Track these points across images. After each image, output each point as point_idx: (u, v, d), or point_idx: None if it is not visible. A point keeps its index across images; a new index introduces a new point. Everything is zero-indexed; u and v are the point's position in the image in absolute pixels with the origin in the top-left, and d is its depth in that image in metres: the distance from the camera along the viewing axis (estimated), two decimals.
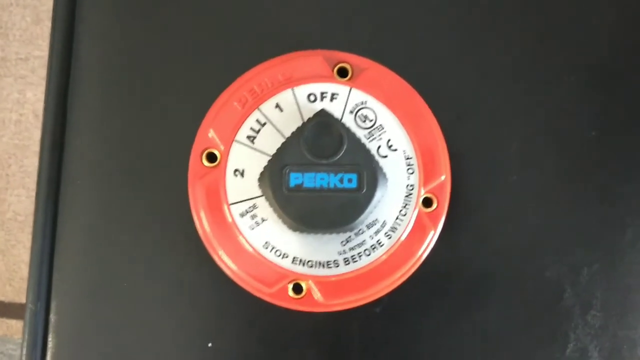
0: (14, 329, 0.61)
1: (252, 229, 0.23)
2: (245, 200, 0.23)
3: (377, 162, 0.22)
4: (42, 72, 0.62)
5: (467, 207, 0.26)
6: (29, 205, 0.62)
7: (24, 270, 0.62)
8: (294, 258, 0.23)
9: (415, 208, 0.24)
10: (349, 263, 0.23)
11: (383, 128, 0.24)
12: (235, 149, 0.24)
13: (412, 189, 0.24)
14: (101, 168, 0.27)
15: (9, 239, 0.62)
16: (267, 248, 0.23)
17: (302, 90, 0.24)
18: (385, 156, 0.24)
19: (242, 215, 0.23)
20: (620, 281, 0.26)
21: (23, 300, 0.62)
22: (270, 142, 0.23)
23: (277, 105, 0.24)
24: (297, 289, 0.24)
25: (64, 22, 0.28)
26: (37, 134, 0.62)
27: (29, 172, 0.61)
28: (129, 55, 0.28)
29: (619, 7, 0.28)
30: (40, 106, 0.62)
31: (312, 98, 0.24)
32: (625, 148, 0.27)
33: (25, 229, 0.61)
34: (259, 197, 0.23)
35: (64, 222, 0.27)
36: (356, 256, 0.23)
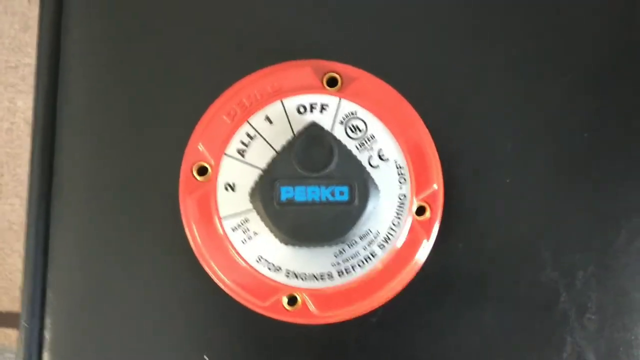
0: (12, 338, 0.61)
1: (244, 242, 0.23)
2: (236, 214, 0.23)
3: (368, 174, 0.22)
4: (33, 80, 0.61)
5: (461, 213, 0.26)
6: (23, 214, 0.61)
7: (20, 280, 0.62)
8: (287, 271, 0.23)
9: (408, 217, 0.24)
10: (342, 275, 0.23)
11: (374, 138, 0.24)
12: (226, 162, 0.23)
13: (405, 199, 0.24)
14: (92, 183, 0.27)
15: (4, 248, 0.61)
16: (259, 262, 0.23)
17: (292, 102, 0.24)
18: (377, 166, 0.23)
19: (234, 229, 0.23)
20: (615, 283, 0.26)
21: (20, 309, 0.62)
22: (261, 155, 0.23)
23: (267, 118, 0.24)
24: (292, 301, 0.24)
25: (50, 31, 0.28)
26: (29, 142, 0.62)
27: (22, 181, 0.61)
28: (118, 68, 0.27)
29: (611, 7, 0.28)
30: (31, 114, 0.62)
31: (301, 110, 0.24)
32: (618, 149, 0.27)
33: (21, 237, 0.61)
34: (250, 210, 0.23)
35: (56, 238, 0.27)
36: (350, 268, 0.23)
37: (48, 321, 0.27)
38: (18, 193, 0.61)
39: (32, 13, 0.60)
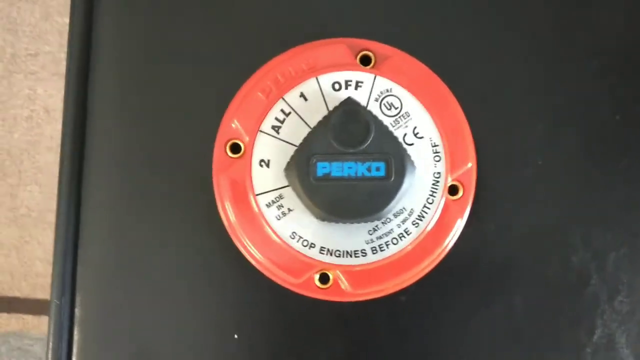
0: (30, 324, 0.61)
1: (279, 219, 0.23)
2: (271, 191, 0.23)
3: (405, 150, 0.22)
4: (53, 68, 0.62)
5: (493, 193, 0.26)
6: (42, 201, 0.62)
7: (38, 266, 0.62)
8: (321, 248, 0.23)
9: (442, 196, 0.23)
10: (376, 252, 0.23)
11: (409, 115, 0.24)
12: (260, 139, 0.24)
13: (439, 177, 0.24)
14: (124, 160, 0.27)
15: (23, 235, 0.62)
16: (293, 238, 0.23)
17: (327, 79, 0.24)
18: (412, 144, 0.23)
19: (268, 205, 0.23)
20: None
21: (38, 295, 0.62)
22: (296, 131, 0.23)
23: (302, 95, 0.24)
24: (324, 278, 0.24)
25: (82, 16, 0.28)
26: (48, 130, 0.62)
27: (41, 168, 0.61)
28: (150, 47, 0.27)
29: None
30: (51, 102, 0.62)
31: (336, 86, 0.24)
32: None
33: (39, 224, 0.61)
34: (285, 187, 0.23)
35: (87, 215, 0.27)
36: (383, 245, 0.23)
37: (78, 298, 0.27)
38: (38, 180, 0.61)
39: (53, 1, 0.61)
